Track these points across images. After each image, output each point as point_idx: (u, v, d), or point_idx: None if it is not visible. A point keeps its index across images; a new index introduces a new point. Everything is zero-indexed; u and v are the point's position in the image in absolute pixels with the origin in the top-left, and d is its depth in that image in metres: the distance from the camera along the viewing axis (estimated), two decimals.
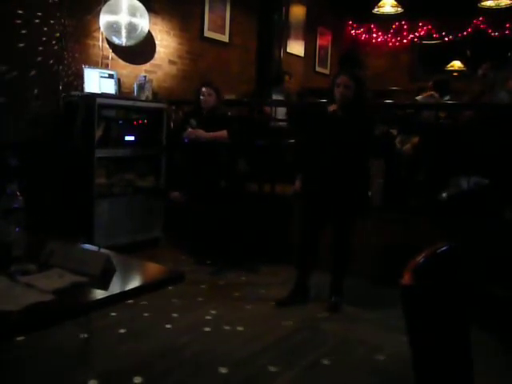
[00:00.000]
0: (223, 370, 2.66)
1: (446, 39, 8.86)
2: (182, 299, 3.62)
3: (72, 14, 4.70)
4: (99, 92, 4.68)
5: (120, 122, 4.76)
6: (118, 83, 5.02)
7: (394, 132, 4.95)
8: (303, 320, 3.42)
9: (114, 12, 4.90)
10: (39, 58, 4.46)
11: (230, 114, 4.91)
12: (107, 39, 5.05)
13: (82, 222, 4.41)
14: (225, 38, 6.65)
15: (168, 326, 3.20)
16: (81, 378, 2.49)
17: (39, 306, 1.53)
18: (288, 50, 7.72)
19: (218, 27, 6.50)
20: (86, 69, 4.73)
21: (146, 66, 5.57)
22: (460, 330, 1.30)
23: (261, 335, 3.14)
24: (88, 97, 4.51)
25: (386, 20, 8.60)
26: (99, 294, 1.77)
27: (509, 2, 6.58)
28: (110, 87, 4.87)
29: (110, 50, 5.13)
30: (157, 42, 5.68)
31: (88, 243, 2.35)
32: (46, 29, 4.49)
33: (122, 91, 5.12)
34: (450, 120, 4.81)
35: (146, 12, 5.09)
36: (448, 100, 5.61)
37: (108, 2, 4.90)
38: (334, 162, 3.50)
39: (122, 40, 5.00)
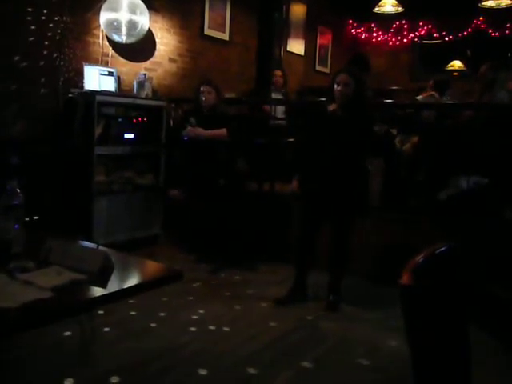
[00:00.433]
0: (221, 369, 2.66)
1: (447, 39, 8.85)
2: (179, 297, 3.62)
3: (72, 12, 4.69)
4: (99, 89, 4.68)
5: (120, 119, 4.76)
6: (118, 81, 5.01)
7: (394, 132, 4.95)
8: (301, 319, 3.42)
9: (115, 9, 4.89)
10: (39, 55, 4.45)
11: (229, 112, 4.91)
12: (107, 37, 5.04)
13: (81, 219, 4.41)
14: (225, 37, 6.64)
15: (166, 324, 3.20)
16: (79, 376, 2.48)
17: (37, 304, 1.52)
18: (288, 49, 7.72)
19: (218, 25, 6.50)
20: (86, 66, 4.72)
21: (146, 64, 5.57)
22: (459, 330, 1.30)
23: (259, 334, 3.14)
24: (88, 94, 4.50)
25: (386, 19, 8.60)
26: (98, 291, 1.77)
27: (509, 2, 6.57)
28: (109, 85, 4.86)
29: (110, 48, 5.12)
30: (157, 40, 5.67)
31: (87, 240, 2.35)
32: (46, 26, 4.48)
33: (121, 89, 5.12)
34: (449, 120, 4.81)
35: (146, 9, 5.08)
36: (448, 100, 5.60)
37: (108, 0, 4.90)
38: (333, 162, 3.50)
39: (122, 37, 4.99)
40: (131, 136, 4.82)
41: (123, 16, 4.90)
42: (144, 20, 5.06)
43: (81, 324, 2.75)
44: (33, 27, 4.38)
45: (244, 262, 4.53)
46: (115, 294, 1.78)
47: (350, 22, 9.64)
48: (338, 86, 3.48)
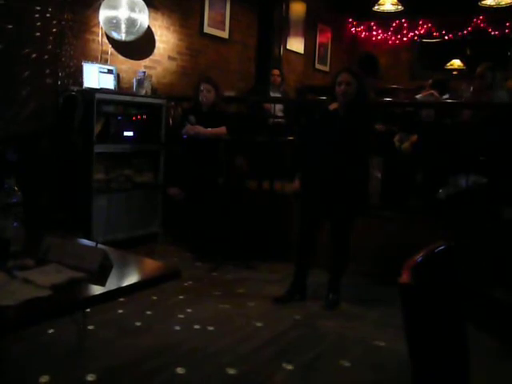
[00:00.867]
0: (220, 367, 2.66)
1: (446, 38, 8.85)
2: (177, 295, 3.63)
3: (72, 9, 4.68)
4: (98, 87, 4.68)
5: (119, 117, 4.76)
6: (118, 78, 5.01)
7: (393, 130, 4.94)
8: (301, 317, 3.42)
9: (114, 7, 4.88)
10: (38, 53, 4.45)
11: (229, 110, 4.91)
12: (107, 34, 5.04)
13: (80, 217, 4.41)
14: (224, 35, 6.63)
15: (165, 321, 3.20)
16: (78, 374, 2.49)
17: (36, 302, 1.53)
18: (288, 47, 7.72)
19: (217, 23, 6.49)
20: (86, 64, 4.72)
21: (146, 62, 5.56)
22: (457, 329, 1.31)
23: (258, 332, 3.14)
24: (87, 92, 4.50)
25: (386, 18, 8.60)
26: (96, 289, 1.77)
27: (509, 1, 6.57)
28: (109, 82, 4.86)
29: (110, 45, 5.11)
30: (156, 38, 5.67)
31: (86, 239, 2.35)
32: (44, 23, 4.48)
33: (121, 86, 5.11)
34: (448, 119, 4.81)
35: (145, 7, 5.08)
36: (447, 99, 5.60)
37: None
38: (335, 161, 3.50)
39: (122, 35, 4.98)
40: (130, 134, 4.82)
41: (122, 14, 4.90)
42: (143, 18, 5.06)
43: (77, 322, 2.75)
44: (32, 24, 4.37)
45: (243, 260, 4.53)
46: (114, 292, 1.78)
47: (350, 20, 9.63)
48: (339, 85, 3.48)
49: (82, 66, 4.69)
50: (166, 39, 5.80)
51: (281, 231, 4.67)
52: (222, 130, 4.53)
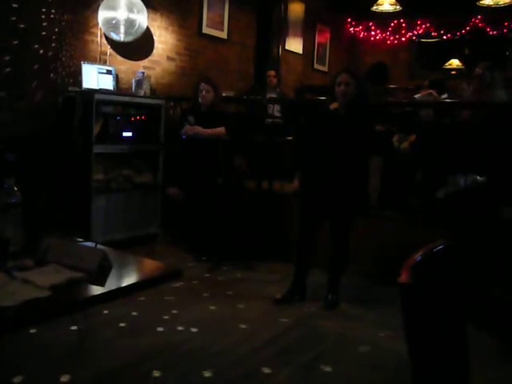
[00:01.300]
0: (220, 368, 2.66)
1: (445, 37, 8.85)
2: (178, 296, 3.63)
3: (70, 10, 4.68)
4: (97, 88, 4.68)
5: (118, 117, 4.76)
6: (116, 79, 5.01)
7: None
8: (300, 318, 3.42)
9: (113, 8, 4.88)
10: (37, 54, 4.45)
11: (228, 110, 4.91)
12: (105, 35, 5.04)
13: (79, 217, 4.41)
14: (223, 35, 6.63)
15: (165, 322, 3.20)
16: (77, 375, 2.48)
17: (36, 302, 1.52)
18: (286, 47, 7.72)
19: (216, 24, 6.49)
20: (85, 64, 4.72)
21: (145, 62, 5.56)
22: (457, 328, 1.31)
23: (258, 332, 3.14)
24: (86, 92, 4.50)
25: (384, 18, 8.60)
26: (96, 290, 1.77)
27: (507, 1, 6.59)
28: (108, 83, 4.86)
29: (109, 46, 5.11)
30: (155, 38, 5.67)
31: (85, 239, 2.35)
32: (44, 24, 4.48)
33: (120, 87, 5.11)
34: (447, 118, 4.81)
35: (144, 8, 5.08)
36: (446, 98, 5.61)
37: None
38: (334, 161, 3.50)
39: (121, 36, 4.98)
40: (129, 134, 4.82)
41: (121, 14, 4.90)
42: (142, 18, 5.05)
43: (77, 322, 2.75)
44: (32, 25, 4.37)
45: (242, 260, 4.53)
46: (113, 293, 1.78)
47: (349, 20, 9.63)
48: (339, 85, 3.49)
49: (81, 67, 4.69)
50: (164, 40, 5.80)
51: (280, 231, 4.67)
52: (221, 130, 4.53)
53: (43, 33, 4.48)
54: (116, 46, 5.16)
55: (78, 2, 4.79)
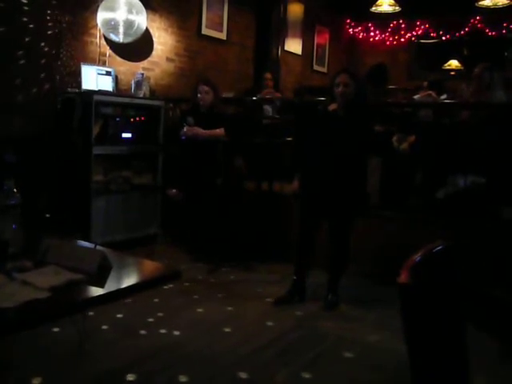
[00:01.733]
0: (219, 369, 2.66)
1: (444, 38, 8.87)
2: (178, 297, 3.62)
3: (70, 11, 4.69)
4: (96, 89, 4.67)
5: (117, 119, 4.75)
6: (116, 80, 5.01)
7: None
8: (300, 318, 3.42)
9: (112, 9, 4.88)
10: (36, 55, 4.45)
11: (227, 111, 4.91)
12: (105, 36, 5.04)
13: (78, 218, 4.41)
14: (222, 36, 6.64)
15: (165, 323, 3.19)
16: (76, 376, 2.48)
17: (35, 303, 1.52)
18: (286, 48, 7.73)
19: (215, 25, 6.49)
20: (84, 66, 4.71)
21: (144, 64, 5.56)
22: (456, 329, 1.31)
23: (257, 333, 3.14)
24: (85, 94, 4.50)
25: (383, 19, 8.61)
26: (95, 291, 1.77)
27: (506, 2, 6.59)
28: (107, 84, 4.86)
29: (108, 47, 5.12)
30: (154, 40, 5.67)
31: (85, 240, 2.35)
32: (43, 25, 4.48)
33: (119, 88, 5.11)
34: (447, 119, 4.81)
35: (143, 9, 5.08)
36: (445, 99, 5.61)
37: None
38: (334, 161, 3.50)
39: (120, 37, 4.98)
40: (129, 136, 4.82)
41: (120, 15, 4.90)
42: (140, 19, 5.05)
43: (77, 324, 2.74)
44: (31, 26, 4.37)
45: (242, 261, 4.53)
46: (113, 294, 1.78)
47: (348, 21, 9.64)
48: (337, 86, 3.49)
49: (80, 68, 4.68)
50: (163, 41, 5.80)
51: (280, 232, 4.67)
52: (221, 131, 4.52)
53: (42, 34, 4.48)
54: (115, 47, 5.16)
55: (77, 3, 4.79)
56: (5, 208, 1.97)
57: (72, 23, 4.72)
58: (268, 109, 5.94)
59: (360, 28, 9.66)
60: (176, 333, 3.07)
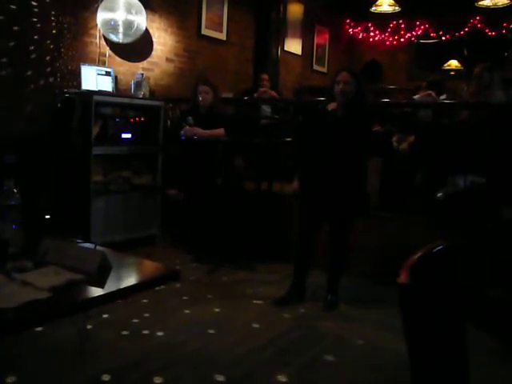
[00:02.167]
0: (219, 369, 2.66)
1: (443, 38, 8.87)
2: (177, 297, 3.62)
3: (69, 11, 4.69)
4: (96, 89, 4.67)
5: (117, 119, 4.75)
6: (115, 81, 5.01)
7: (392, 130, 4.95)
8: (300, 318, 3.42)
9: (111, 9, 4.88)
10: (36, 55, 4.45)
11: (227, 111, 4.91)
12: (104, 36, 5.04)
13: (78, 219, 4.41)
14: (222, 36, 6.64)
15: (164, 323, 3.19)
16: (77, 376, 2.48)
17: (35, 304, 1.52)
18: (285, 48, 7.73)
19: (215, 25, 6.50)
20: (84, 66, 4.72)
21: (143, 64, 5.56)
22: (456, 329, 1.31)
23: (257, 333, 3.14)
24: (85, 94, 4.50)
25: (383, 19, 8.61)
26: (95, 291, 1.77)
27: (506, 2, 6.59)
28: (107, 84, 4.86)
29: (107, 48, 5.12)
30: (154, 40, 5.67)
31: (84, 240, 2.35)
32: (42, 26, 4.48)
33: (118, 89, 5.11)
34: (446, 119, 4.81)
35: (142, 9, 5.08)
36: (445, 99, 5.62)
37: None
38: (334, 161, 3.50)
39: (119, 37, 4.98)
40: (129, 136, 4.82)
41: (120, 16, 4.90)
42: (140, 19, 5.05)
43: (77, 324, 2.74)
44: (30, 27, 4.37)
45: (242, 261, 4.53)
46: (113, 294, 1.78)
47: (348, 21, 9.65)
48: (338, 84, 3.48)
49: (79, 69, 4.69)
50: (163, 41, 5.80)
51: (280, 232, 4.67)
52: (220, 131, 4.53)
53: (42, 34, 4.48)
54: (115, 47, 5.16)
55: (77, 3, 4.79)
56: (5, 208, 1.97)
57: (72, 24, 4.72)
58: (266, 109, 5.95)
59: (360, 28, 9.67)
60: (175, 333, 3.07)
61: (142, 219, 4.91)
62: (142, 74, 5.19)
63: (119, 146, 4.72)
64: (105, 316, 3.14)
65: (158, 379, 2.52)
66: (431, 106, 5.04)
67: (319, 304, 3.63)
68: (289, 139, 5.05)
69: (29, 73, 4.40)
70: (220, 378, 2.59)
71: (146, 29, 5.30)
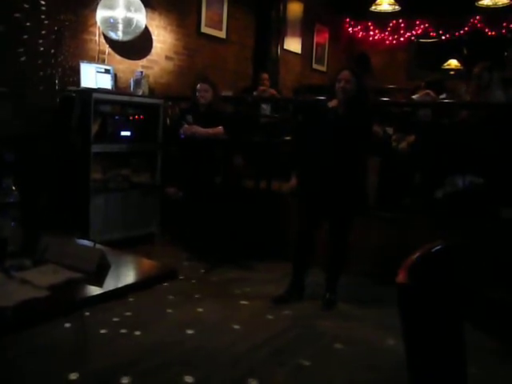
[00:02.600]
0: (217, 367, 2.66)
1: (443, 38, 8.87)
2: (176, 295, 3.62)
3: (69, 9, 4.68)
4: (96, 87, 4.67)
5: (116, 117, 4.75)
6: (115, 78, 5.00)
7: (390, 131, 4.94)
8: (298, 317, 3.42)
9: (111, 7, 4.88)
10: (35, 53, 4.44)
11: (226, 110, 4.90)
12: (104, 34, 5.03)
13: (77, 217, 4.41)
14: (222, 34, 6.63)
15: (162, 322, 3.20)
16: (76, 375, 2.48)
17: (34, 302, 1.52)
18: (285, 47, 7.72)
19: (215, 23, 6.49)
20: (83, 64, 4.71)
21: (143, 62, 5.56)
22: (455, 329, 1.31)
23: (256, 332, 3.14)
24: (84, 92, 4.49)
25: (383, 18, 8.60)
26: (94, 290, 1.77)
27: (506, 1, 6.59)
28: (106, 82, 4.85)
29: (107, 45, 5.11)
30: (153, 38, 5.66)
31: (83, 238, 2.34)
32: (42, 23, 4.47)
33: (118, 86, 5.11)
34: (446, 119, 4.81)
35: (141, 6, 5.07)
36: (444, 99, 5.61)
37: None
38: (333, 159, 3.50)
39: (119, 35, 4.98)
40: (128, 134, 4.81)
41: (119, 13, 4.89)
42: (139, 17, 5.04)
43: (75, 322, 2.74)
44: (30, 25, 4.36)
45: (240, 260, 4.53)
46: (111, 293, 1.78)
47: (347, 20, 9.64)
48: (339, 82, 3.48)
49: (79, 66, 4.68)
50: (163, 39, 5.80)
51: (278, 230, 4.67)
52: (219, 129, 4.52)
53: (42, 32, 4.47)
54: (114, 45, 5.15)
55: (77, 1, 4.78)
56: (3, 206, 1.97)
57: (71, 21, 4.72)
58: (265, 108, 5.94)
59: (359, 27, 9.66)
60: (173, 331, 3.07)
61: (141, 217, 4.91)
62: (142, 72, 5.18)
63: (118, 143, 4.72)
64: (103, 314, 3.14)
65: (155, 378, 2.53)
66: (431, 105, 5.04)
67: (318, 303, 3.63)
68: (288, 138, 5.04)
69: (28, 70, 4.39)
70: (218, 376, 2.59)
71: (146, 27, 5.29)
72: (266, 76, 6.41)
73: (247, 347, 2.92)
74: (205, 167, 4.52)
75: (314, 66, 8.80)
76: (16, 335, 2.48)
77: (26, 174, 3.99)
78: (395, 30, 9.34)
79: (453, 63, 8.96)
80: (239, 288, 3.94)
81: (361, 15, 9.01)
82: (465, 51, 8.80)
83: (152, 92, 5.30)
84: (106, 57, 5.09)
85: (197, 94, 4.55)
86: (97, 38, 5.00)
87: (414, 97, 5.60)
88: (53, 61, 4.58)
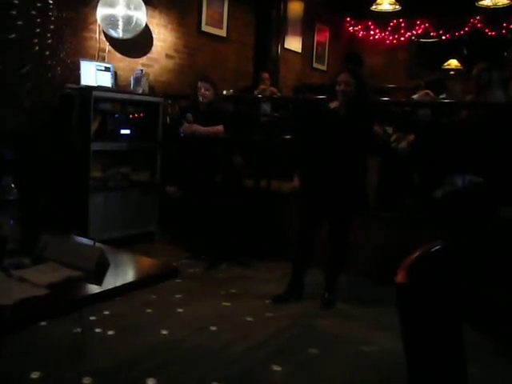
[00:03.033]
0: (217, 366, 2.66)
1: (444, 38, 8.86)
2: (174, 294, 3.62)
3: (69, 6, 4.67)
4: (95, 85, 4.66)
5: (116, 115, 4.74)
6: (115, 76, 4.99)
7: (389, 130, 4.94)
8: (297, 317, 3.42)
9: (111, 4, 4.87)
10: (35, 50, 4.44)
11: (227, 108, 4.90)
12: (104, 32, 5.02)
13: (76, 215, 4.40)
14: (222, 33, 6.63)
15: (162, 320, 3.19)
16: (75, 374, 2.48)
17: (33, 301, 1.52)
18: (285, 46, 7.71)
19: (215, 22, 6.48)
20: (83, 61, 4.70)
21: (143, 60, 5.55)
22: (454, 329, 1.31)
23: (254, 331, 3.14)
24: (84, 90, 4.49)
25: (383, 17, 8.60)
26: (93, 288, 1.77)
27: (506, 2, 6.59)
28: (106, 80, 4.84)
29: (107, 43, 5.10)
30: (154, 36, 5.66)
31: (82, 237, 2.34)
32: (42, 20, 4.46)
33: (118, 84, 5.10)
34: (445, 118, 4.81)
35: (142, 4, 5.06)
36: (444, 98, 5.61)
37: None
38: (334, 159, 3.50)
39: (119, 33, 4.97)
40: (127, 132, 4.81)
41: (119, 11, 4.88)
42: (139, 15, 5.03)
43: (74, 321, 2.74)
44: (29, 23, 4.36)
45: (240, 259, 4.53)
46: (111, 292, 1.78)
47: (348, 19, 9.63)
48: (339, 85, 3.49)
49: (79, 64, 4.67)
50: (163, 37, 5.79)
51: (278, 229, 4.67)
52: (220, 128, 4.52)
53: (41, 30, 4.46)
54: (114, 43, 5.14)
55: None
56: (2, 203, 1.97)
57: (71, 19, 4.71)
58: (265, 107, 5.94)
59: (360, 26, 9.65)
60: (172, 330, 3.07)
61: (141, 216, 4.91)
62: (142, 70, 5.18)
63: (118, 142, 4.71)
64: (102, 313, 3.14)
65: (155, 377, 2.52)
66: (431, 105, 5.04)
67: (317, 302, 3.63)
68: (288, 137, 5.04)
69: (28, 67, 4.38)
70: (217, 376, 2.59)
71: (146, 25, 5.28)
72: (266, 75, 6.41)
73: (247, 346, 2.92)
74: (205, 166, 4.51)
75: (315, 65, 8.79)
76: (14, 334, 2.48)
77: (26, 172, 3.98)
78: (395, 30, 9.33)
79: (453, 63, 8.95)
80: (239, 287, 3.94)
81: (361, 15, 9.00)
82: (465, 51, 8.80)
83: (152, 90, 5.29)
84: (106, 55, 5.08)
85: (197, 92, 4.54)
86: (97, 35, 5.00)
87: (413, 96, 5.61)
88: (53, 58, 4.58)
